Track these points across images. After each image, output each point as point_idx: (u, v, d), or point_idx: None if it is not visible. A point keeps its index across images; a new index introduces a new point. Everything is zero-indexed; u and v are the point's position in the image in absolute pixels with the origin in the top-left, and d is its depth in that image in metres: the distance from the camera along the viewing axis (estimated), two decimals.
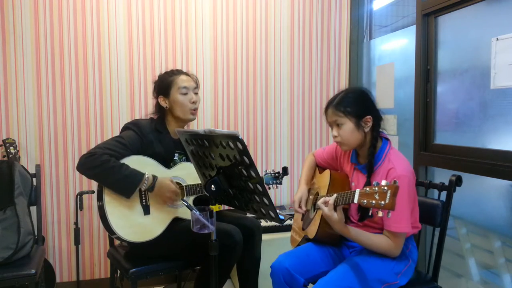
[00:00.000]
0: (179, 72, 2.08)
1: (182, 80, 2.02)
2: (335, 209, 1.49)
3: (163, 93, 2.03)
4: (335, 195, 1.50)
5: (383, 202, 1.30)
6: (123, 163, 1.83)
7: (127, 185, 1.82)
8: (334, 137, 1.65)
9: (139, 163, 1.90)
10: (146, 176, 1.84)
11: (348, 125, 1.60)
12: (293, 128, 3.03)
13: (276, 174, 2.28)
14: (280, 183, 2.31)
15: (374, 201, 1.32)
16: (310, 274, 1.66)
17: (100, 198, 1.85)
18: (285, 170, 2.29)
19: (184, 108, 2.01)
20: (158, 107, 2.08)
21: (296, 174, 3.05)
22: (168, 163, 2.03)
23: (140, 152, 1.94)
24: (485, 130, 1.97)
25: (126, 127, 2.01)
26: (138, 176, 1.83)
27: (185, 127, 2.16)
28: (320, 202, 1.52)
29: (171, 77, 2.04)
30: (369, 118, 1.61)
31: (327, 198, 1.51)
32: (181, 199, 1.91)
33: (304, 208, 1.85)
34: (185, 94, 2.01)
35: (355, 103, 1.62)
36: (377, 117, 1.64)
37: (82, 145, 2.66)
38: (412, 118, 2.39)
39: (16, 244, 1.94)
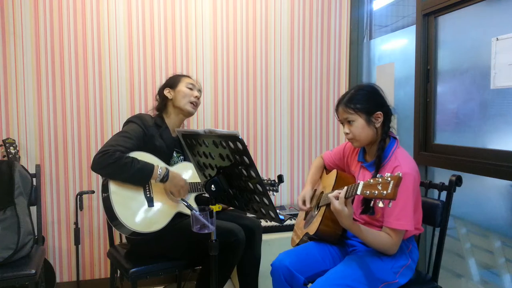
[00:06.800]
0: (189, 76, 2.27)
1: (190, 80, 2.22)
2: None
3: (170, 86, 2.20)
4: (345, 187, 1.46)
5: (385, 192, 1.29)
6: (134, 158, 1.89)
7: (141, 177, 1.89)
8: (346, 134, 1.66)
9: (142, 159, 1.92)
10: (159, 167, 1.92)
11: (359, 121, 1.62)
12: (293, 128, 3.03)
13: (272, 182, 2.32)
14: (277, 191, 2.33)
15: (376, 191, 1.31)
16: (310, 272, 1.66)
17: (105, 190, 1.88)
18: (280, 178, 2.32)
19: (186, 98, 2.14)
20: (160, 98, 2.21)
21: (296, 174, 3.05)
22: (167, 159, 2.06)
23: (142, 145, 1.99)
24: (485, 130, 1.97)
25: (129, 121, 2.08)
26: (149, 168, 1.90)
27: (185, 126, 2.20)
28: (331, 195, 1.47)
29: (182, 76, 2.24)
30: (379, 113, 1.62)
31: (337, 192, 1.47)
32: (181, 198, 1.92)
33: (308, 205, 1.85)
34: (191, 89, 2.17)
35: (365, 100, 1.63)
36: (388, 113, 1.65)
37: (82, 145, 2.66)
38: (412, 118, 2.39)
39: (16, 244, 1.94)
